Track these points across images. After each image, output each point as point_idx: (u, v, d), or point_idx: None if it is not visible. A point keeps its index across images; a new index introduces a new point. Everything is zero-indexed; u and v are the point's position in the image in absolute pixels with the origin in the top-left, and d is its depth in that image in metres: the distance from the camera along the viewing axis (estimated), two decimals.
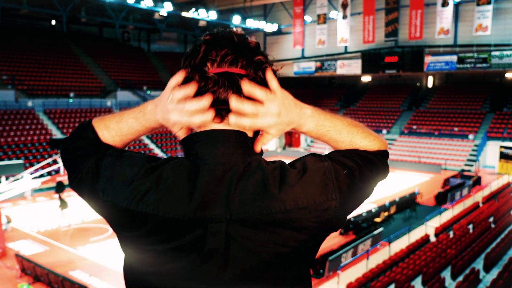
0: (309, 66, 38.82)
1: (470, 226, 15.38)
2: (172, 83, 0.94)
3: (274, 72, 0.98)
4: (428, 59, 32.35)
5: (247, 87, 0.90)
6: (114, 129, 1.04)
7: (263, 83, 0.94)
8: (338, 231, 14.86)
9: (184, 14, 34.39)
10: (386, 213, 17.07)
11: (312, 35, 38.18)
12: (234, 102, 0.90)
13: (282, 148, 37.44)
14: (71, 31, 37.79)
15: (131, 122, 1.03)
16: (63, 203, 15.06)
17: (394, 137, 34.06)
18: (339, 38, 35.88)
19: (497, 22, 29.69)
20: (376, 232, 14.00)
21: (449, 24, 30.81)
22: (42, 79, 30.01)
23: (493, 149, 28.32)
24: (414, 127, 33.85)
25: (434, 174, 26.99)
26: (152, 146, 29.75)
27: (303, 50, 39.86)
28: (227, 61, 0.92)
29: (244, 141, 0.94)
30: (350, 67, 36.42)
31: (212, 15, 34.60)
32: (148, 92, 34.43)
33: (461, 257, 11.72)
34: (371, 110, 37.90)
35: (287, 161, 0.99)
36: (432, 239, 14.54)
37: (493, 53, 29.66)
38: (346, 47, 37.07)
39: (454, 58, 31.34)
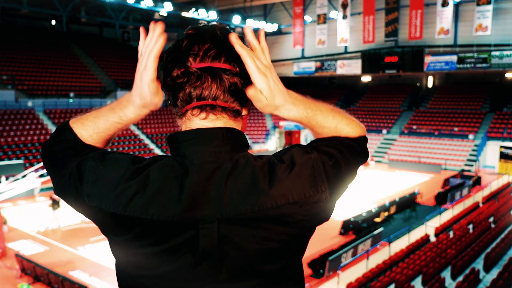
0: (309, 66, 38.83)
1: (470, 226, 15.38)
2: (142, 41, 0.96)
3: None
4: (428, 59, 32.36)
5: (234, 38, 0.92)
6: (91, 126, 1.02)
7: (248, 78, 0.93)
8: (338, 231, 14.90)
9: (184, 14, 34.40)
10: (386, 213, 17.07)
11: (312, 35, 38.19)
12: (233, 38, 0.92)
13: (282, 148, 37.40)
14: (71, 31, 37.79)
15: (107, 114, 1.01)
16: (55, 203, 15.01)
17: (394, 137, 34.06)
18: (339, 38, 35.88)
19: (497, 22, 29.69)
20: (376, 232, 13.99)
21: (449, 24, 30.81)
22: (42, 79, 30.00)
23: (493, 149, 28.32)
24: (414, 127, 33.85)
25: (434, 174, 26.98)
26: (152, 146, 29.75)
27: (303, 50, 39.86)
28: (210, 56, 0.91)
29: (231, 137, 0.93)
30: (350, 67, 36.42)
31: (212, 15, 34.60)
32: None
33: (461, 257, 11.71)
34: (371, 110, 37.90)
35: None
36: (432, 239, 14.54)
37: (493, 53, 29.66)
38: (346, 47, 37.07)
39: (454, 58, 31.34)
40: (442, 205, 18.66)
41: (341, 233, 14.94)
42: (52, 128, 26.86)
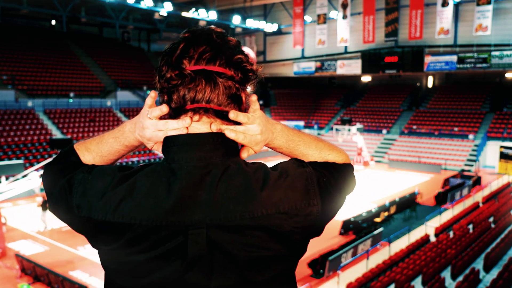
0: (309, 66, 38.82)
1: (470, 226, 15.37)
2: (148, 101, 0.94)
3: (255, 72, 0.97)
4: (428, 59, 32.36)
5: (232, 115, 0.91)
6: (95, 150, 1.03)
7: (242, 83, 0.94)
8: (338, 231, 14.89)
9: (184, 14, 34.39)
10: (386, 213, 17.07)
11: (312, 35, 38.18)
12: (232, 114, 0.91)
13: None
14: (71, 31, 37.79)
15: (111, 142, 1.03)
16: (45, 204, 14.98)
17: (394, 137, 34.06)
18: (339, 38, 35.88)
19: (497, 22, 29.69)
20: (376, 232, 13.99)
21: (449, 24, 30.81)
22: (42, 79, 30.00)
23: (493, 149, 28.32)
24: (414, 127, 33.84)
25: (434, 174, 26.98)
26: None
27: (303, 50, 39.85)
28: (205, 59, 0.91)
29: (222, 143, 0.92)
30: (350, 67, 36.43)
31: (212, 15, 34.60)
32: (148, 92, 34.41)
33: (461, 257, 11.71)
34: (371, 110, 37.89)
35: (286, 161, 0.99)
36: (432, 239, 14.54)
37: (493, 53, 29.67)
38: (346, 47, 37.07)
39: (454, 58, 31.35)
40: (442, 205, 18.65)
41: (341, 233, 14.94)
42: (52, 128, 26.86)
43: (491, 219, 16.25)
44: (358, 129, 30.90)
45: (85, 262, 12.41)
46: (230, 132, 0.92)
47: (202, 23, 35.36)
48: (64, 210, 0.95)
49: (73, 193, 0.93)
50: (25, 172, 16.70)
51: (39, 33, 34.68)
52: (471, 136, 30.61)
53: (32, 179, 14.71)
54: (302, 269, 11.44)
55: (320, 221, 0.95)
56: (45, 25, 37.59)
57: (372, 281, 10.48)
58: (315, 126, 38.13)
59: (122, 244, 0.88)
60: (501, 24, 29.89)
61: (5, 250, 12.71)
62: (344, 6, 35.23)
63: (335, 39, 36.25)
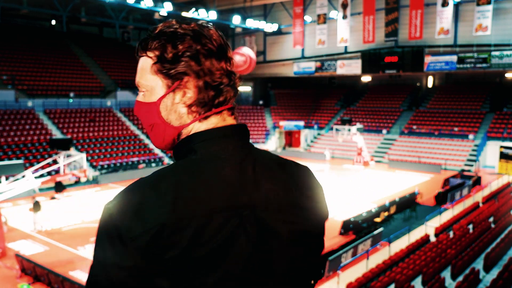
0: (309, 66, 38.82)
1: (470, 226, 15.37)
2: None
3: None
4: (428, 59, 32.36)
5: None
6: None
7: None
8: (338, 231, 14.89)
9: (184, 14, 34.38)
10: (386, 213, 17.07)
11: (312, 35, 38.18)
12: None
13: (282, 148, 37.44)
14: (71, 31, 37.80)
15: None
16: (36, 206, 14.95)
17: (394, 137, 34.06)
18: (339, 38, 35.88)
19: (497, 22, 29.69)
20: (376, 232, 13.99)
21: (449, 24, 30.81)
22: (42, 79, 30.01)
23: (493, 149, 28.32)
24: (414, 127, 33.85)
25: (434, 174, 26.98)
26: (152, 146, 29.74)
27: (303, 50, 39.85)
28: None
29: (247, 133, 0.99)
30: (350, 67, 36.42)
31: (212, 15, 34.60)
32: None
33: (461, 257, 11.71)
34: (371, 110, 37.89)
35: None
36: (432, 239, 14.53)
37: (493, 53, 29.66)
38: (346, 47, 37.07)
39: (454, 58, 31.35)
40: (442, 205, 18.66)
41: (341, 233, 14.94)
42: (52, 128, 26.86)
43: (491, 219, 16.24)
44: (358, 129, 30.90)
45: (85, 262, 12.41)
46: None
47: None
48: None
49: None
50: (24, 172, 16.70)
51: (39, 33, 34.68)
52: (471, 136, 30.62)
53: (30, 179, 14.70)
54: None
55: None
56: (45, 25, 37.60)
57: (372, 281, 10.48)
58: (315, 126, 38.13)
59: (187, 244, 0.87)
60: (501, 24, 29.89)
61: (5, 250, 12.72)
62: (344, 6, 35.23)
63: (335, 39, 36.26)
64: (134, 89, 33.98)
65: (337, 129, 31.83)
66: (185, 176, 0.86)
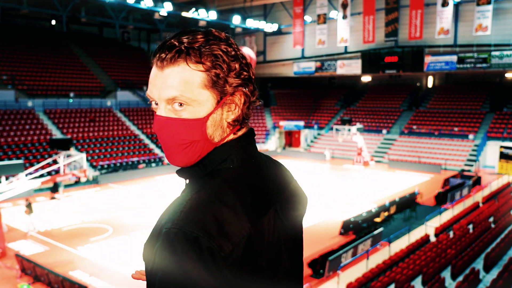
0: (309, 66, 38.82)
1: (470, 226, 15.37)
2: None
3: None
4: (428, 59, 32.35)
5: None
6: None
7: None
8: (338, 231, 14.89)
9: (184, 14, 34.39)
10: (386, 213, 17.07)
11: (312, 35, 38.18)
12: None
13: (282, 148, 37.43)
14: (71, 31, 37.81)
15: None
16: (29, 208, 14.90)
17: (394, 137, 34.06)
18: (339, 38, 35.88)
19: (497, 22, 29.69)
20: (376, 232, 13.99)
21: (449, 24, 30.81)
22: (42, 79, 30.00)
23: (493, 149, 28.31)
24: (414, 127, 33.84)
25: (434, 174, 26.98)
26: (152, 146, 29.74)
27: (303, 50, 39.86)
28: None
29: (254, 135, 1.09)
30: (350, 67, 36.42)
31: (212, 15, 34.60)
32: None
33: (461, 257, 11.71)
34: (371, 110, 37.89)
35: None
36: (432, 239, 14.53)
37: (493, 53, 29.66)
38: (346, 47, 37.07)
39: (454, 58, 31.34)
40: (442, 205, 18.65)
41: (341, 233, 14.94)
42: (52, 128, 26.86)
43: (491, 219, 16.24)
44: (358, 129, 30.89)
45: (85, 262, 12.41)
46: None
47: (202, 23, 35.41)
48: None
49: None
50: (24, 172, 16.71)
51: (39, 33, 34.67)
52: (471, 136, 30.61)
53: (23, 181, 14.68)
54: None
55: None
56: (45, 25, 37.59)
57: (372, 281, 10.48)
58: (315, 126, 38.13)
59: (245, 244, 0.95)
60: (501, 24, 29.89)
61: (5, 250, 12.72)
62: (344, 6, 35.23)
63: (335, 39, 36.26)
64: (134, 89, 33.99)
65: (337, 129, 31.83)
66: (238, 185, 0.90)
